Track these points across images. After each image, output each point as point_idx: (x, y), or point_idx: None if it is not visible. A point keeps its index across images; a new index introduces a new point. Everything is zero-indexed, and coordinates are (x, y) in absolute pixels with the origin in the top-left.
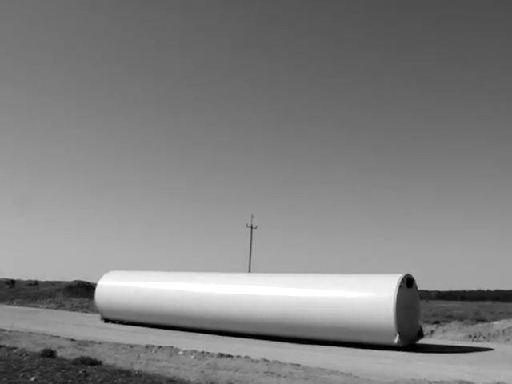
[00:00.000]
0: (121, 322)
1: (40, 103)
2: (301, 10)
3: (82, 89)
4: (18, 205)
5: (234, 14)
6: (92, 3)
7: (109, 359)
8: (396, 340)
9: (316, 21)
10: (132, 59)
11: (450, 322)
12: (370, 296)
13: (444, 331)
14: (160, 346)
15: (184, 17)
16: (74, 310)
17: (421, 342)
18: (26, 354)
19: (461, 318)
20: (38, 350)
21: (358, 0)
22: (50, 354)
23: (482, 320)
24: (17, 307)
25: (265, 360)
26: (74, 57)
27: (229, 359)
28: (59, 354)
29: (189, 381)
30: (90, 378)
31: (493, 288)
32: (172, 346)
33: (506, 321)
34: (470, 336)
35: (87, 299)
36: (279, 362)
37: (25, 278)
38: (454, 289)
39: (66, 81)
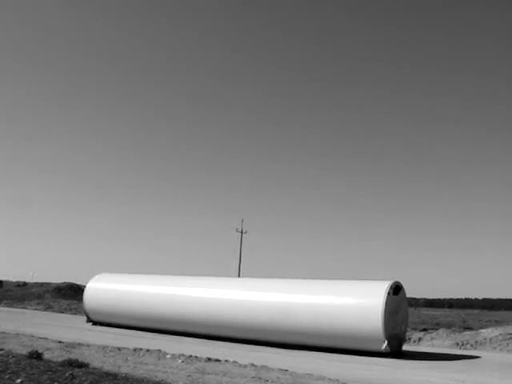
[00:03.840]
0: (109, 325)
1: (40, 104)
2: (300, 15)
3: (83, 91)
4: (10, 205)
5: (235, 17)
6: (93, 5)
7: (96, 362)
8: (384, 347)
9: (315, 24)
10: (132, 62)
11: (437, 329)
12: (358, 302)
13: (431, 338)
14: (148, 350)
15: (184, 20)
16: (62, 312)
17: (408, 349)
18: (13, 356)
19: (448, 326)
20: (25, 351)
21: (357, 4)
22: (36, 355)
23: (470, 328)
24: (4, 308)
25: (253, 365)
26: (76, 58)
27: (217, 363)
28: (46, 356)
29: None
30: (77, 381)
31: (480, 296)
32: (160, 350)
33: (493, 329)
34: (458, 344)
35: (76, 301)
36: (267, 367)
37: (13, 279)
38: (442, 296)
39: (67, 82)
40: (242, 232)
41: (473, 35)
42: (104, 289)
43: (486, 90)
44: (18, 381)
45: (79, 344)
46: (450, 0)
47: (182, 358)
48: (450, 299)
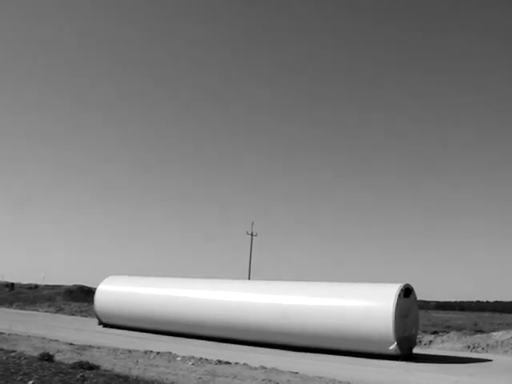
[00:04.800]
0: (120, 327)
1: (40, 103)
2: (302, 14)
3: (83, 89)
4: (19, 205)
5: (235, 16)
6: (93, 3)
7: (107, 364)
8: (394, 349)
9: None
10: (133, 60)
11: (448, 332)
12: (368, 305)
13: (442, 341)
14: (158, 352)
15: (184, 19)
16: (73, 315)
17: (419, 351)
18: (24, 358)
19: (459, 329)
20: (36, 353)
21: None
22: (48, 357)
23: (481, 331)
24: (16, 310)
25: (263, 367)
26: (76, 57)
27: (227, 366)
28: (57, 358)
29: None
30: (88, 383)
31: (492, 299)
32: (170, 352)
33: (504, 332)
34: (469, 347)
35: (86, 304)
36: (277, 370)
37: (25, 282)
38: (453, 299)
39: (67, 81)
40: (252, 235)
41: (473, 35)
42: (115, 291)
43: (487, 90)
44: (30, 382)
45: (90, 346)
46: (450, 0)
47: (192, 360)
48: (461, 302)
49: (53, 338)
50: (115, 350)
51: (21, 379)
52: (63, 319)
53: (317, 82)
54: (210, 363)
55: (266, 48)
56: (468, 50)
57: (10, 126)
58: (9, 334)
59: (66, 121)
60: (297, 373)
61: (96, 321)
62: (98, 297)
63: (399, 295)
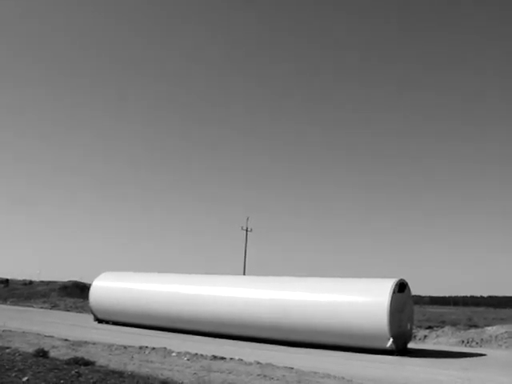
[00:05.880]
0: (114, 323)
1: (40, 103)
2: (302, 14)
3: (83, 89)
4: (17, 203)
5: (237, 14)
6: (94, 5)
7: (102, 360)
8: (389, 344)
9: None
10: (133, 60)
11: (443, 327)
12: (363, 300)
13: (437, 336)
14: (153, 348)
15: (186, 17)
16: (68, 311)
17: (414, 346)
18: (19, 354)
19: (454, 324)
20: (31, 349)
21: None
22: (42, 353)
23: (475, 326)
24: (10, 307)
25: (258, 363)
26: (76, 57)
27: (222, 361)
28: (52, 354)
29: (182, 383)
30: (83, 379)
31: (486, 294)
32: (165, 348)
33: (498, 327)
34: (463, 341)
35: (81, 299)
36: (272, 365)
37: (19, 278)
38: (448, 294)
39: (67, 81)
40: (247, 230)
41: (474, 34)
42: (109, 287)
43: (487, 89)
44: (25, 379)
45: (85, 342)
46: (451, 0)
47: (187, 355)
48: (456, 297)
49: (48, 334)
50: (110, 345)
51: (15, 375)
52: (58, 315)
53: (317, 81)
54: (206, 359)
55: (266, 48)
56: (468, 49)
57: (10, 126)
58: (3, 331)
59: (65, 121)
60: (292, 368)
61: (91, 317)
62: (92, 293)
63: (394, 290)
